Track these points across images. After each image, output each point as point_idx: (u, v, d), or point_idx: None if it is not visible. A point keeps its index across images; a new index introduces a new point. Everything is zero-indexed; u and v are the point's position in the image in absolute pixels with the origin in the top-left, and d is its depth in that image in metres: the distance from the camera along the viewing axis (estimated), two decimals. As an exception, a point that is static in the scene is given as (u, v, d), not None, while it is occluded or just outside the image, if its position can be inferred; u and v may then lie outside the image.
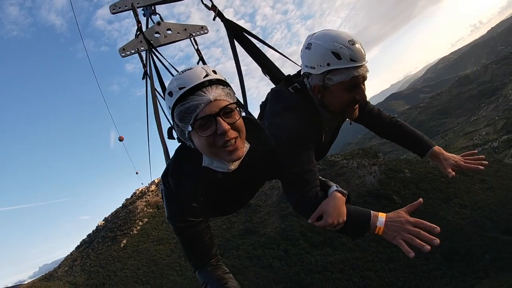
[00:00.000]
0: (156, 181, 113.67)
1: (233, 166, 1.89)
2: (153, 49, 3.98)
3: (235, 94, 1.85)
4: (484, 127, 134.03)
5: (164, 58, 3.90)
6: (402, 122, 3.02)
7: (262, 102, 2.80)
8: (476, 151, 2.83)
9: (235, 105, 1.75)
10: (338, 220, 2.05)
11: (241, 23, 3.51)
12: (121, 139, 24.87)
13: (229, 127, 1.70)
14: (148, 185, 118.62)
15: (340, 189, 2.22)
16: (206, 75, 1.70)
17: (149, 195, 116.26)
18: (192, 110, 1.66)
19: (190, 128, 1.71)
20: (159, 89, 4.05)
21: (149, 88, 4.16)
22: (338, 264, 65.07)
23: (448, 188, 69.09)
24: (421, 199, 2.06)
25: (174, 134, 1.98)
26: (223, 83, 1.76)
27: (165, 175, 2.00)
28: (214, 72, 1.76)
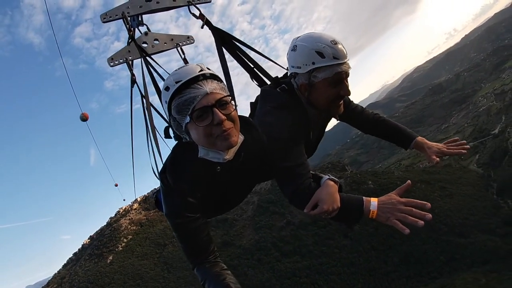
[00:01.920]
0: (139, 199, 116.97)
1: (228, 156, 1.93)
2: (146, 57, 3.96)
3: (227, 90, 1.95)
4: (453, 134, 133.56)
5: (158, 65, 3.90)
6: (385, 117, 3.08)
7: (252, 102, 2.87)
8: (458, 137, 2.91)
9: (229, 98, 1.84)
10: (333, 206, 2.11)
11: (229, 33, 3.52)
12: (84, 118, 17.45)
13: (225, 117, 1.78)
14: (131, 204, 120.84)
15: (333, 177, 2.31)
16: (201, 70, 1.81)
17: (132, 213, 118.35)
18: (190, 102, 1.74)
19: (188, 119, 1.79)
20: (151, 95, 4.02)
21: (137, 97, 4.29)
22: (305, 270, 69.56)
23: (408, 197, 72.32)
24: (409, 181, 2.15)
25: (171, 133, 2.08)
26: (217, 78, 1.88)
27: (163, 171, 2.02)
28: (208, 68, 1.87)
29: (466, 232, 63.92)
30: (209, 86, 1.77)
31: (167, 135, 2.09)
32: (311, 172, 2.43)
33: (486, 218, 67.07)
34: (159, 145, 3.59)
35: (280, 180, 2.40)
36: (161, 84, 3.24)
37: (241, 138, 1.98)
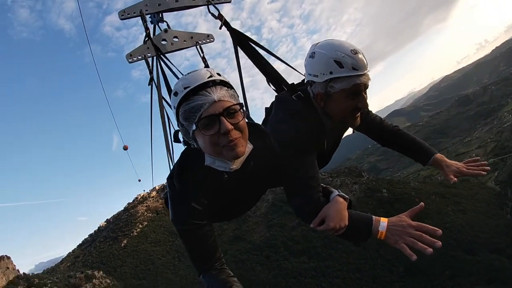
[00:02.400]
0: (157, 188, 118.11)
1: (235, 165, 1.89)
2: (161, 55, 3.91)
3: (238, 96, 1.89)
4: (475, 149, 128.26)
5: (172, 64, 3.81)
6: (404, 131, 2.98)
7: (267, 108, 2.81)
8: (478, 157, 2.84)
9: (238, 106, 1.79)
10: (340, 224, 2.06)
11: (247, 35, 3.48)
12: (125, 148, 24.19)
13: (232, 127, 1.73)
14: (149, 191, 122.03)
15: (342, 194, 2.26)
16: (210, 76, 1.75)
17: (150, 201, 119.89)
18: (197, 109, 1.70)
19: (194, 127, 1.75)
20: (166, 95, 3.93)
21: (154, 94, 4.20)
22: (311, 271, 70.17)
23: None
24: (422, 203, 2.07)
25: (180, 137, 2.03)
26: (227, 84, 1.81)
27: (170, 177, 2.00)
28: (218, 74, 1.80)
29: (474, 249, 63.40)
30: (218, 94, 1.73)
31: (176, 140, 2.10)
32: (321, 185, 2.36)
33: (497, 237, 66.18)
34: (173, 145, 3.61)
35: (288, 190, 2.36)
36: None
37: (249, 147, 1.95)
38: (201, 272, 2.05)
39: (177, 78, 3.60)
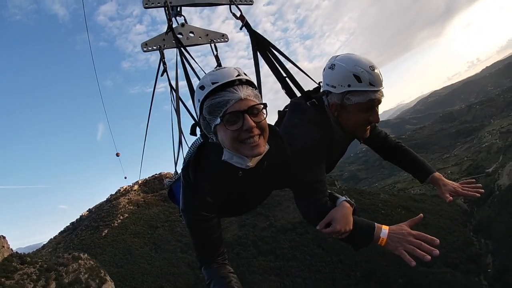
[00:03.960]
0: (140, 181, 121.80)
1: (252, 163, 1.89)
2: (181, 48, 3.76)
3: (261, 97, 1.90)
4: (451, 166, 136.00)
5: (193, 58, 3.71)
6: (406, 147, 3.02)
7: (280, 111, 2.84)
8: (474, 179, 2.82)
9: (262, 106, 1.81)
10: (345, 228, 2.08)
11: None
12: (118, 155, 26.72)
13: (255, 124, 1.75)
14: (132, 185, 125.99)
15: (349, 199, 2.28)
16: (238, 75, 1.77)
17: (132, 194, 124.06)
18: (223, 104, 1.71)
19: (218, 121, 1.75)
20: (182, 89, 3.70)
21: (161, 84, 4.21)
22: (276, 270, 74.81)
23: (385, 220, 72.96)
24: (421, 214, 2.17)
25: (197, 131, 2.08)
26: (252, 84, 1.84)
27: (185, 168, 2.01)
28: (245, 74, 1.83)
29: (429, 262, 67.22)
30: (244, 92, 1.75)
31: (193, 133, 2.11)
32: (328, 190, 2.40)
33: (454, 253, 70.70)
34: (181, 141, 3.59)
35: (297, 193, 2.38)
36: (193, 79, 3.07)
37: (266, 147, 1.93)
38: (203, 264, 2.09)
39: (195, 72, 3.58)
